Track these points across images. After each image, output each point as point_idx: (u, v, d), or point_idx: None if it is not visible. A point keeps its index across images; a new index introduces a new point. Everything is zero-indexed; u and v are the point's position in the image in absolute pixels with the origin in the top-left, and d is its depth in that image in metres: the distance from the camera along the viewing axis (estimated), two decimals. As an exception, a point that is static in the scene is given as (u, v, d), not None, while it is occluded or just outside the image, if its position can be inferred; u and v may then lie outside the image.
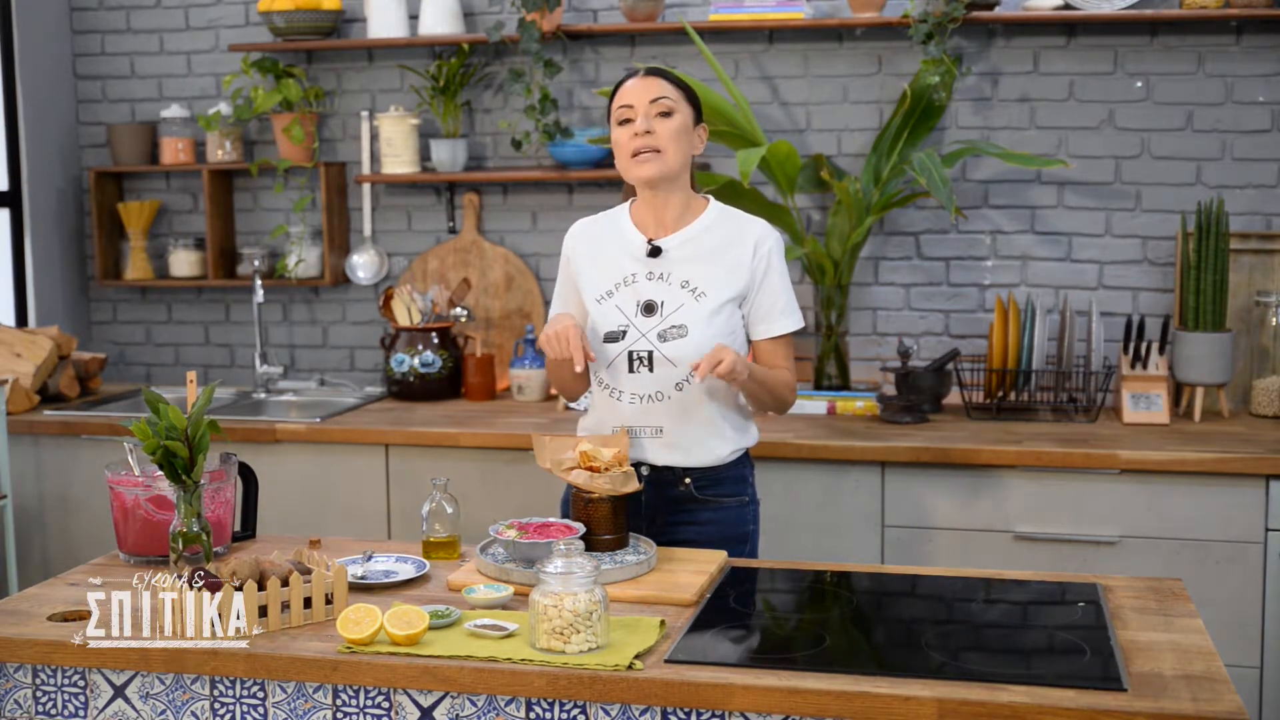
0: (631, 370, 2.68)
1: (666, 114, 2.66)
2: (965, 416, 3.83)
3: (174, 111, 4.56)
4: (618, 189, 4.28)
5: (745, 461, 2.82)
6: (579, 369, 2.60)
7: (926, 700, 1.93)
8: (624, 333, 2.69)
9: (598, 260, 2.77)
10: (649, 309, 2.69)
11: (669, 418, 2.68)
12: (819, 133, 4.17)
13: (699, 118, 2.73)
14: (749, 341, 2.79)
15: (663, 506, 2.73)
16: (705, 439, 2.71)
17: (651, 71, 2.71)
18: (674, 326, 2.67)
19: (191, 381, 2.55)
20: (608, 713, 2.05)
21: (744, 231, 2.74)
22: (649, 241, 2.72)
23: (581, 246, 2.80)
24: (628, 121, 2.67)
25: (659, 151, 2.64)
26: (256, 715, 2.18)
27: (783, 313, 2.75)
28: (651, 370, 2.67)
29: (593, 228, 2.82)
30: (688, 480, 2.73)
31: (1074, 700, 1.90)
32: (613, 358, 2.70)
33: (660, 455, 2.71)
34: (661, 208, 2.72)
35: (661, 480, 2.73)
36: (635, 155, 2.65)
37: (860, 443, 3.53)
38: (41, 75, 4.59)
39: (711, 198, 2.81)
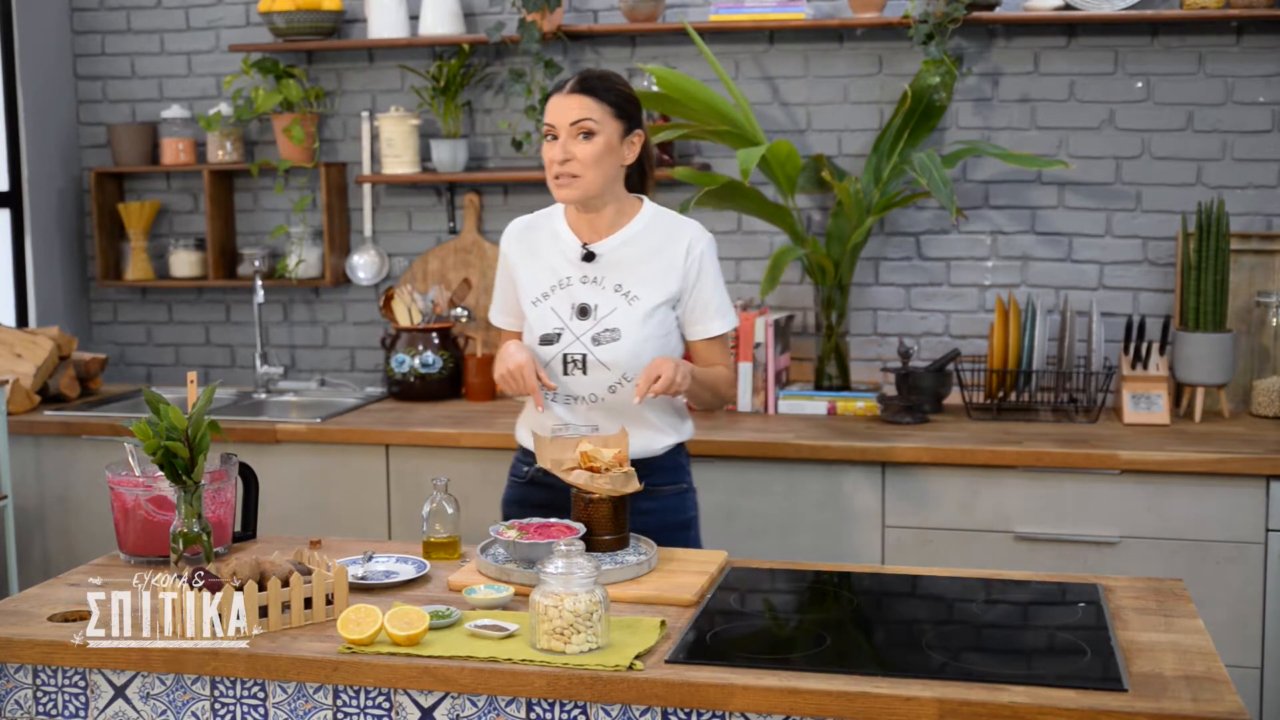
0: (566, 373, 2.72)
1: (587, 134, 2.65)
2: (966, 417, 3.83)
3: (174, 112, 4.56)
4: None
5: (681, 451, 2.86)
6: (540, 409, 2.68)
7: (927, 701, 1.93)
8: (559, 335, 2.73)
9: (534, 262, 2.79)
10: (583, 312, 2.73)
11: (603, 419, 2.72)
12: (819, 133, 4.17)
13: (633, 125, 2.71)
14: (684, 341, 2.82)
15: None
16: (639, 438, 2.74)
17: (579, 86, 2.67)
18: (607, 330, 2.71)
19: (192, 382, 2.55)
20: (608, 713, 2.05)
21: (677, 234, 2.76)
22: (584, 246, 2.75)
23: (518, 246, 2.82)
24: (552, 138, 2.67)
25: (576, 176, 2.65)
26: (257, 715, 2.18)
27: (717, 314, 2.79)
28: (585, 373, 2.71)
29: (529, 228, 2.84)
30: None
31: (1074, 701, 1.90)
32: (547, 360, 2.73)
33: None
34: (593, 217, 2.75)
35: None
36: (556, 178, 2.67)
37: (861, 443, 3.53)
38: (42, 75, 4.59)
39: (645, 198, 2.82)
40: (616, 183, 2.73)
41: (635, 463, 2.73)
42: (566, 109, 2.65)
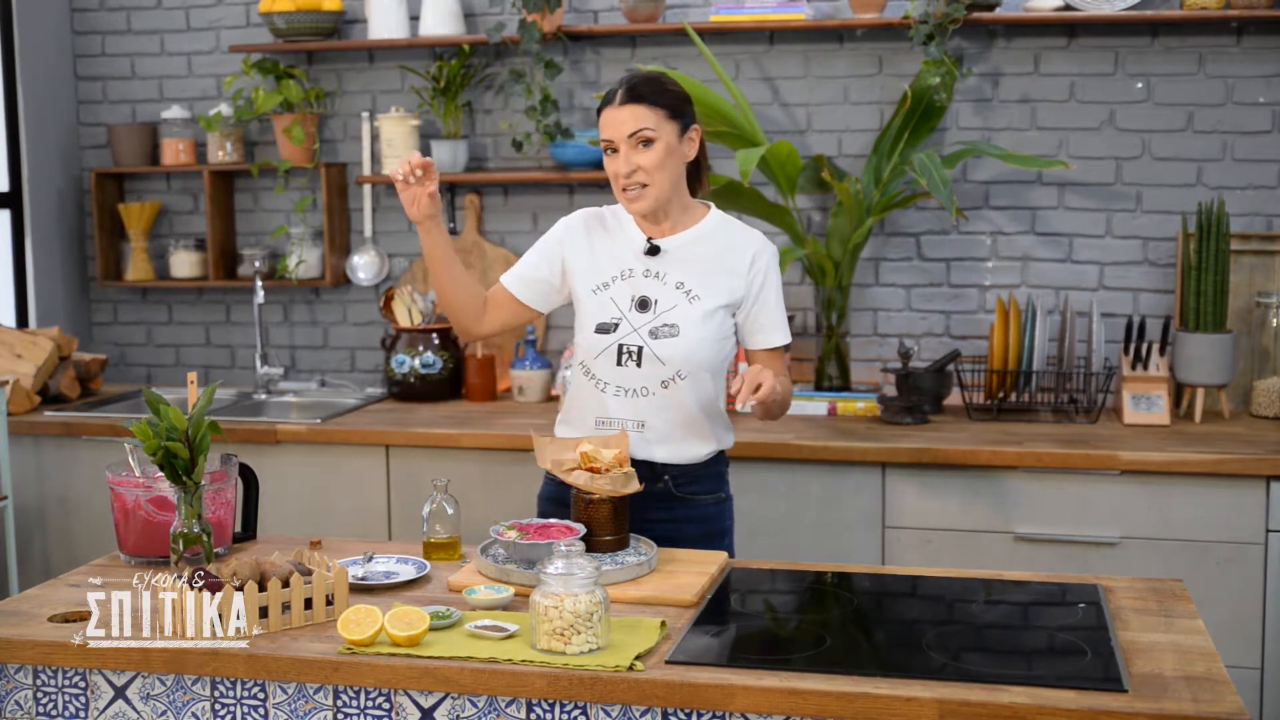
0: (620, 364, 2.71)
1: (647, 143, 2.65)
2: (966, 417, 3.83)
3: (175, 112, 4.56)
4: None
5: (722, 459, 2.85)
6: (408, 175, 2.61)
7: (927, 701, 1.93)
8: (616, 325, 2.72)
9: (596, 251, 2.79)
10: (643, 305, 2.72)
11: (652, 413, 2.71)
12: (820, 133, 4.17)
13: (689, 122, 2.70)
14: (742, 350, 2.80)
15: (640, 503, 2.73)
16: (686, 437, 2.74)
17: (629, 96, 2.65)
18: (666, 325, 2.69)
19: (192, 382, 2.55)
20: (608, 714, 2.05)
21: (742, 242, 2.76)
22: (649, 240, 2.75)
23: (582, 235, 2.81)
24: (613, 151, 2.68)
25: (645, 185, 2.66)
26: (257, 716, 2.18)
27: (779, 326, 2.79)
28: (640, 365, 2.70)
29: (597, 218, 2.84)
30: (666, 478, 2.75)
31: (1075, 701, 1.90)
32: (602, 349, 2.72)
33: (640, 449, 2.73)
34: (661, 218, 2.75)
35: (640, 477, 2.72)
36: (625, 191, 2.68)
37: (861, 443, 3.53)
38: (42, 76, 4.59)
39: (712, 205, 2.82)
40: (682, 183, 2.74)
41: (677, 471, 2.75)
42: (620, 121, 2.65)
